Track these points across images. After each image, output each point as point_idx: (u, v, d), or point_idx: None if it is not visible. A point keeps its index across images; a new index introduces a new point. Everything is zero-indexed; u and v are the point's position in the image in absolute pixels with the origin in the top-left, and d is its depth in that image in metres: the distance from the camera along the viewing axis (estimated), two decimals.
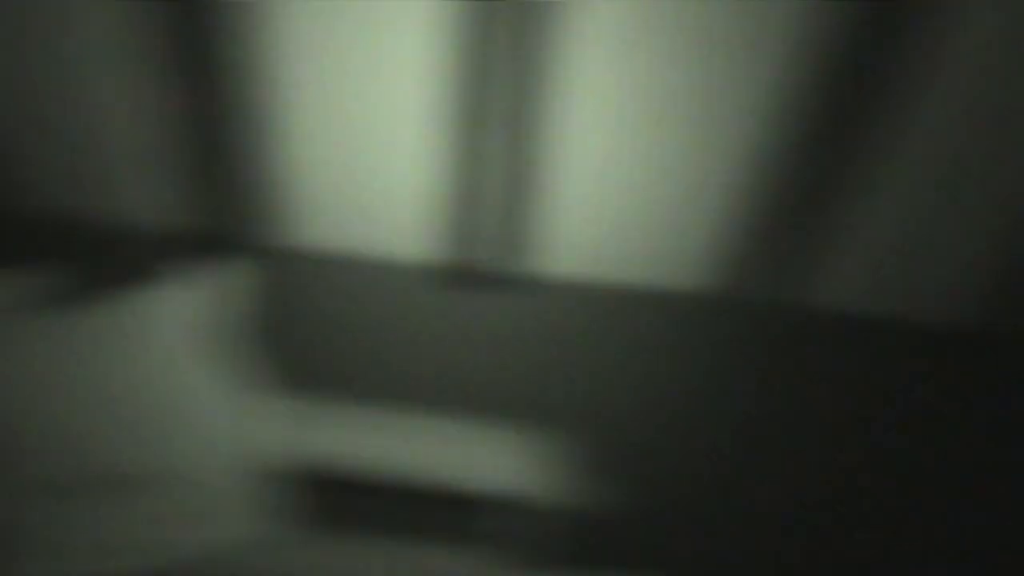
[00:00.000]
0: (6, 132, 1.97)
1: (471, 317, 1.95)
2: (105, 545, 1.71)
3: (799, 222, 1.84)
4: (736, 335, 1.93)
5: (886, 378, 1.91)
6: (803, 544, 1.84)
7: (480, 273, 1.98)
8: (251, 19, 1.70)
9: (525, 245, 1.94)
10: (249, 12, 1.70)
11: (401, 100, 1.76)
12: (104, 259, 2.01)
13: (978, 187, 1.77)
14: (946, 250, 1.87)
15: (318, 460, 1.83)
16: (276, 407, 1.88)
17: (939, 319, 1.96)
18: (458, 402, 1.91)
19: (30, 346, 1.76)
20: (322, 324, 1.96)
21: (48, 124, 1.94)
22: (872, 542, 1.85)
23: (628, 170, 1.80)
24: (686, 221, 1.87)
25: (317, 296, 1.98)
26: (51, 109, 1.92)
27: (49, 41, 1.81)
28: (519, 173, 1.82)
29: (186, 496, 1.73)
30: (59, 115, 1.92)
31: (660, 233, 1.90)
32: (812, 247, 1.88)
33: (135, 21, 1.74)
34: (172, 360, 1.78)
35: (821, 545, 1.84)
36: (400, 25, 1.67)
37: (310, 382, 1.94)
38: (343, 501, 1.85)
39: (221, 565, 1.72)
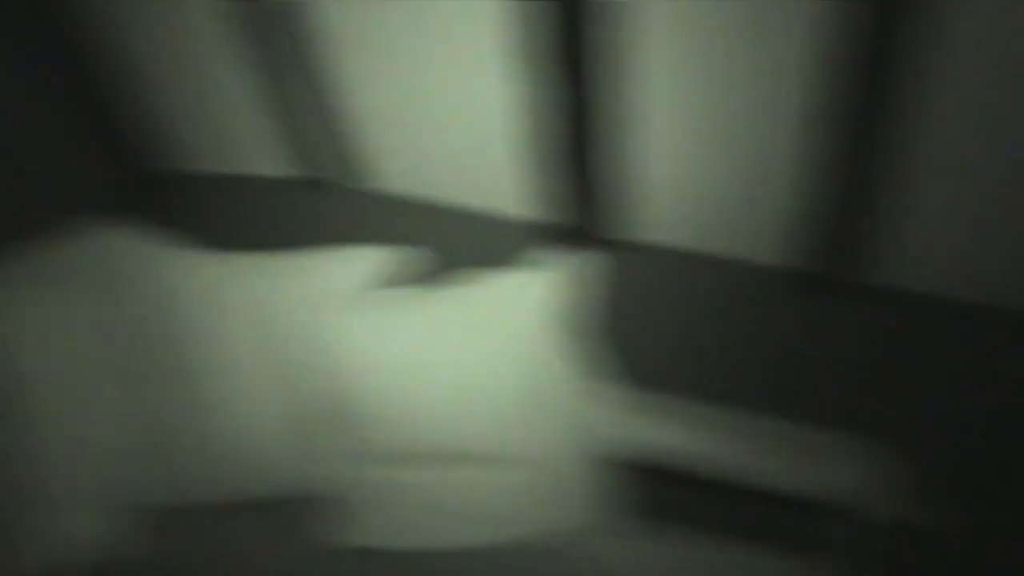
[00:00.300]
0: (393, 123, 2.07)
1: (819, 324, 1.93)
2: (443, 515, 1.82)
3: None
4: None
5: None
6: None
7: (828, 280, 1.95)
8: (618, 16, 1.70)
9: (879, 256, 1.90)
10: (617, 9, 1.69)
11: (774, 104, 1.74)
12: (467, 243, 2.09)
13: None
14: None
15: (653, 453, 1.86)
16: (617, 397, 1.91)
17: None
18: (794, 405, 1.90)
19: (390, 321, 1.86)
20: (671, 320, 1.97)
21: (430, 116, 2.03)
22: None
23: (997, 185, 1.75)
24: None
25: (666, 292, 1.99)
26: (435, 103, 2.00)
27: (435, 38, 1.86)
28: (882, 185, 1.78)
29: (525, 475, 1.82)
30: (441, 108, 1.99)
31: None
32: None
33: (512, 18, 1.77)
34: (524, 343, 1.86)
35: None
36: (781, 27, 1.64)
37: (651, 375, 1.96)
38: (672, 495, 1.87)
39: (551, 544, 1.80)
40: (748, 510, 1.86)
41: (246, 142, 2.27)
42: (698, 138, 1.85)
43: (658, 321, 1.99)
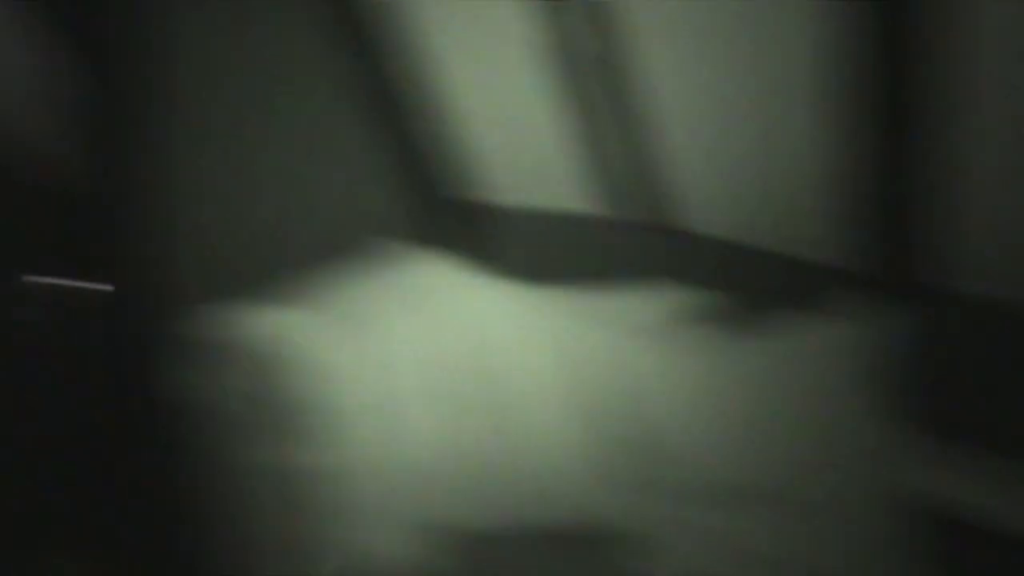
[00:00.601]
0: (700, 162, 2.07)
1: None
2: (735, 554, 1.82)
3: None
4: None
5: None
6: None
7: None
8: (945, 62, 1.66)
9: None
10: (945, 55, 1.64)
11: None
12: (771, 286, 2.07)
13: None
14: None
15: (951, 506, 1.83)
16: (917, 448, 1.89)
17: None
18: None
19: (690, 361, 1.93)
20: (978, 372, 1.92)
21: (739, 155, 2.01)
22: None
23: None
24: None
25: (974, 343, 1.93)
26: (745, 142, 1.98)
27: (748, 76, 1.87)
28: None
29: (819, 520, 1.81)
30: (750, 147, 1.98)
31: None
32: None
33: (830, 59, 1.75)
34: (824, 389, 1.85)
35: None
36: None
37: (955, 427, 1.91)
38: (968, 551, 1.82)
39: None
40: None
41: (556, 177, 2.31)
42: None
43: (965, 373, 1.92)
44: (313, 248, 2.23)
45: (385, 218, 2.43)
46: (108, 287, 2.20)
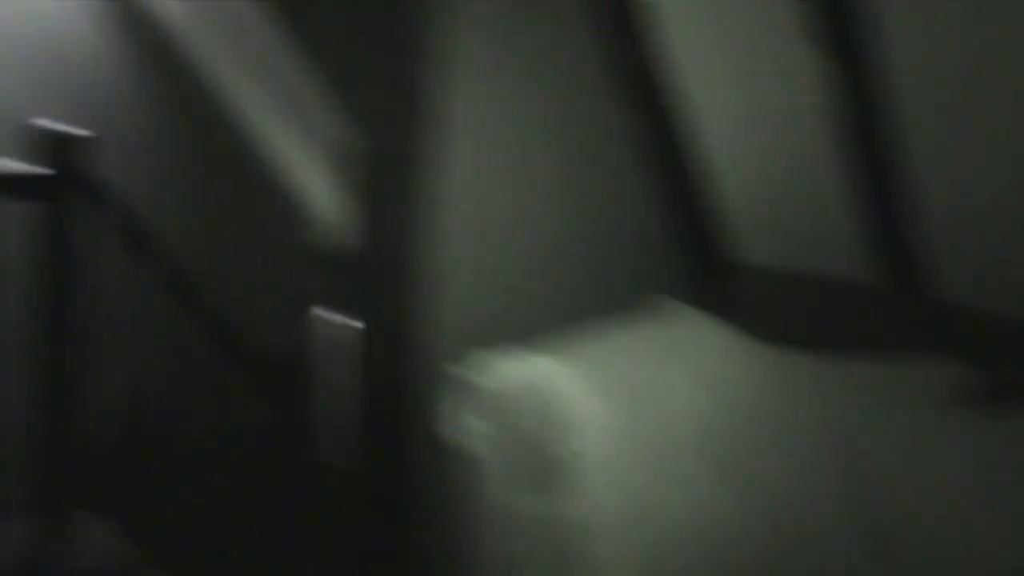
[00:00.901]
0: (966, 233, 2.06)
1: None
2: None
3: None
4: None
5: None
6: None
7: None
8: None
9: None
10: None
11: None
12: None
13: None
14: None
15: None
16: None
17: None
18: None
19: (948, 438, 1.93)
20: None
21: (1006, 226, 2.00)
22: None
23: None
24: None
25: None
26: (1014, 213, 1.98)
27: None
28: None
29: None
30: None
31: None
32: None
33: None
34: None
35: None
36: None
37: None
38: None
39: None
40: None
41: (831, 243, 2.30)
42: None
43: None
44: (578, 298, 2.29)
45: (655, 275, 2.47)
46: (367, 324, 2.29)
